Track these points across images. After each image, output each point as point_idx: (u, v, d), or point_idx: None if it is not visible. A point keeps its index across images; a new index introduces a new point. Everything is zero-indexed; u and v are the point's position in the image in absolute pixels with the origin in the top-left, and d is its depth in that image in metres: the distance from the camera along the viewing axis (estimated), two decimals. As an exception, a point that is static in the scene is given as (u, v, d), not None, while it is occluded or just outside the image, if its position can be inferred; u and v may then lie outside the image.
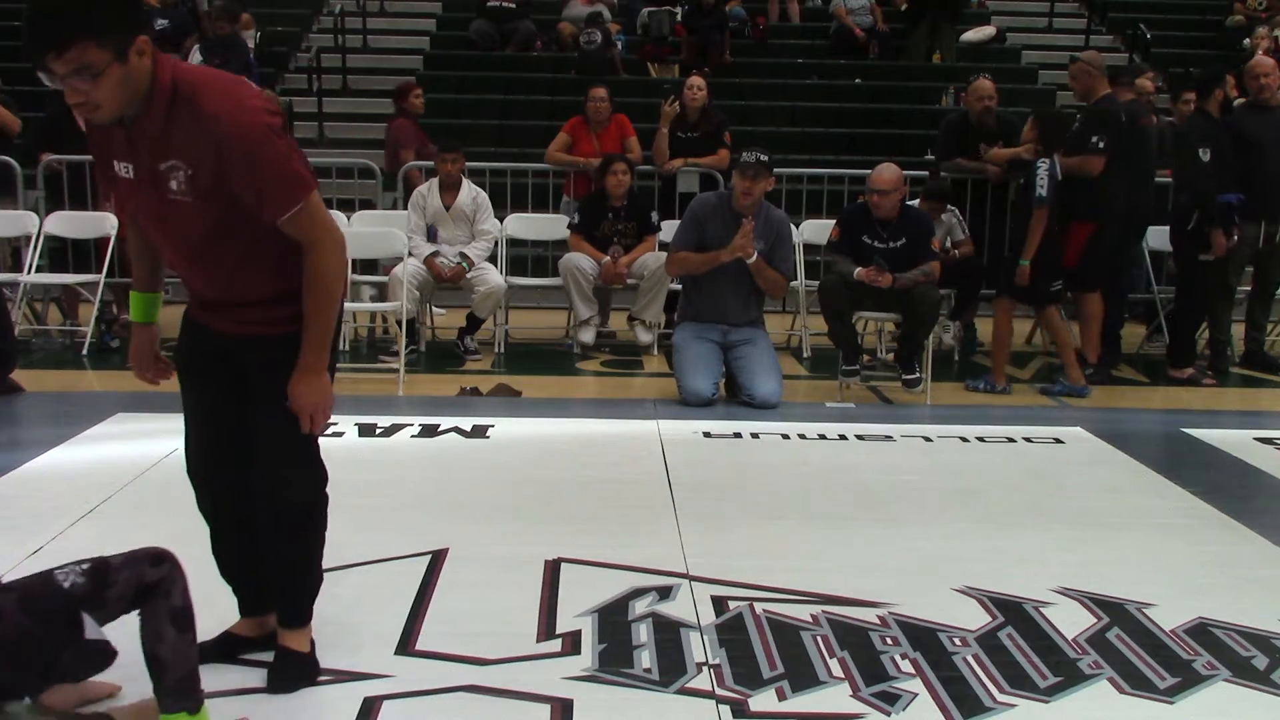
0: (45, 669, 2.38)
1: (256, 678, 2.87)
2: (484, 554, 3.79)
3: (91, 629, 2.42)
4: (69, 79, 2.36)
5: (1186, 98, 7.62)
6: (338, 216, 7.87)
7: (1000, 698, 2.90)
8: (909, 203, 6.80)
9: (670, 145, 8.16)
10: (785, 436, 5.50)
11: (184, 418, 2.89)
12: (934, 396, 6.50)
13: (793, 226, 6.90)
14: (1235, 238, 7.01)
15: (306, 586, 2.92)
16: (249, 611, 3.00)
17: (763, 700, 2.86)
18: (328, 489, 2.88)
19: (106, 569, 2.46)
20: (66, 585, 2.42)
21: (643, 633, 3.22)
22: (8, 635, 2.35)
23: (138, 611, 2.46)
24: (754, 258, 6.01)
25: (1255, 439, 5.63)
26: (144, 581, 2.45)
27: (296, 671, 2.86)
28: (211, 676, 2.82)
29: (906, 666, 3.06)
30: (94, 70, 2.35)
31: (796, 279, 7.27)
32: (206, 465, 2.87)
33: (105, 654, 2.47)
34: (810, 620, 3.33)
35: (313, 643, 2.93)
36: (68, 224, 7.87)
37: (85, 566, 2.46)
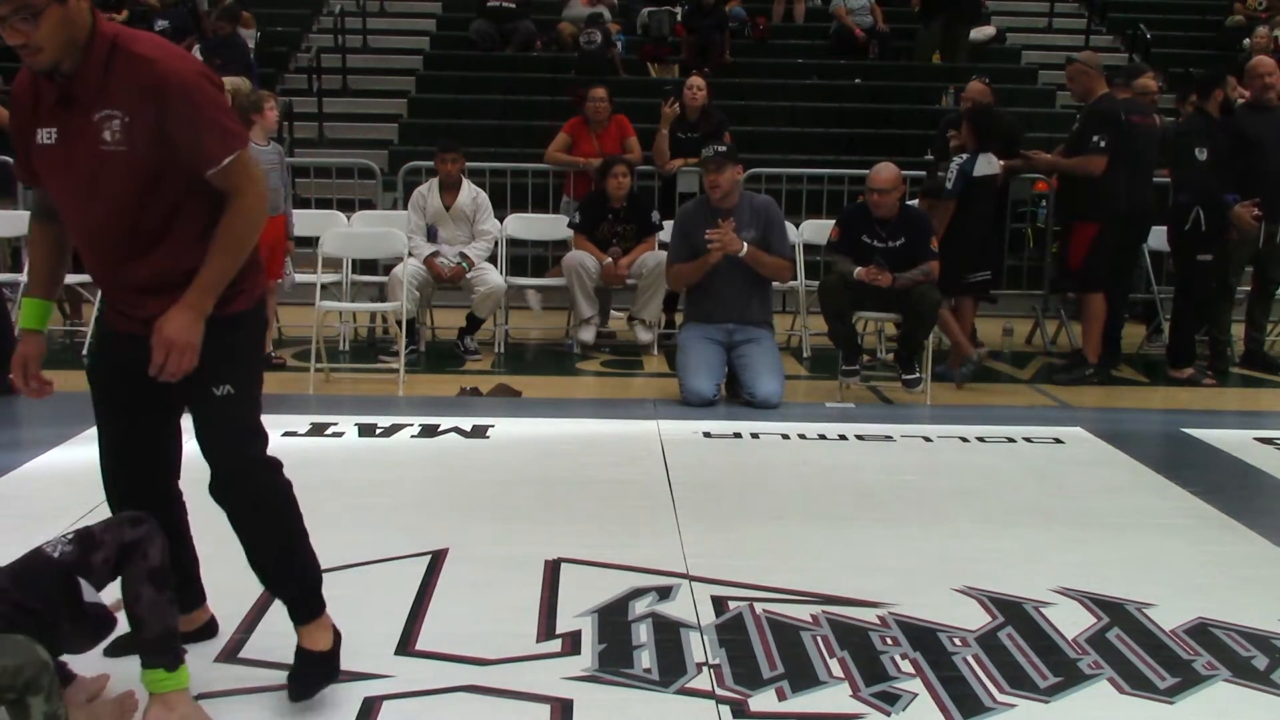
0: (49, 645, 2.39)
1: (257, 677, 2.87)
2: (484, 554, 3.79)
3: (89, 593, 2.47)
4: (10, 19, 2.39)
5: (1192, 99, 7.63)
6: (338, 216, 7.91)
7: (1000, 698, 2.90)
8: (908, 202, 6.81)
9: (670, 145, 8.16)
10: (785, 436, 5.50)
11: (98, 433, 2.82)
12: (934, 396, 6.50)
13: (792, 226, 6.92)
14: (1236, 233, 7.02)
15: (302, 570, 2.83)
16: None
17: (763, 700, 2.86)
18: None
19: (91, 535, 2.52)
20: (56, 555, 2.47)
21: (643, 633, 3.22)
22: (6, 613, 2.38)
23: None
24: (743, 251, 6.02)
25: (1255, 439, 5.63)
26: (124, 541, 2.51)
27: (315, 675, 2.81)
28: (213, 675, 2.83)
29: (906, 666, 3.06)
30: (34, 9, 2.39)
31: (797, 277, 7.27)
32: (127, 481, 2.82)
33: (104, 620, 2.53)
34: (810, 620, 3.33)
35: (336, 634, 2.87)
36: (68, 224, 7.85)
37: (70, 535, 2.51)
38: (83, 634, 2.54)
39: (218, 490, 2.71)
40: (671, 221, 7.28)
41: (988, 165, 7.00)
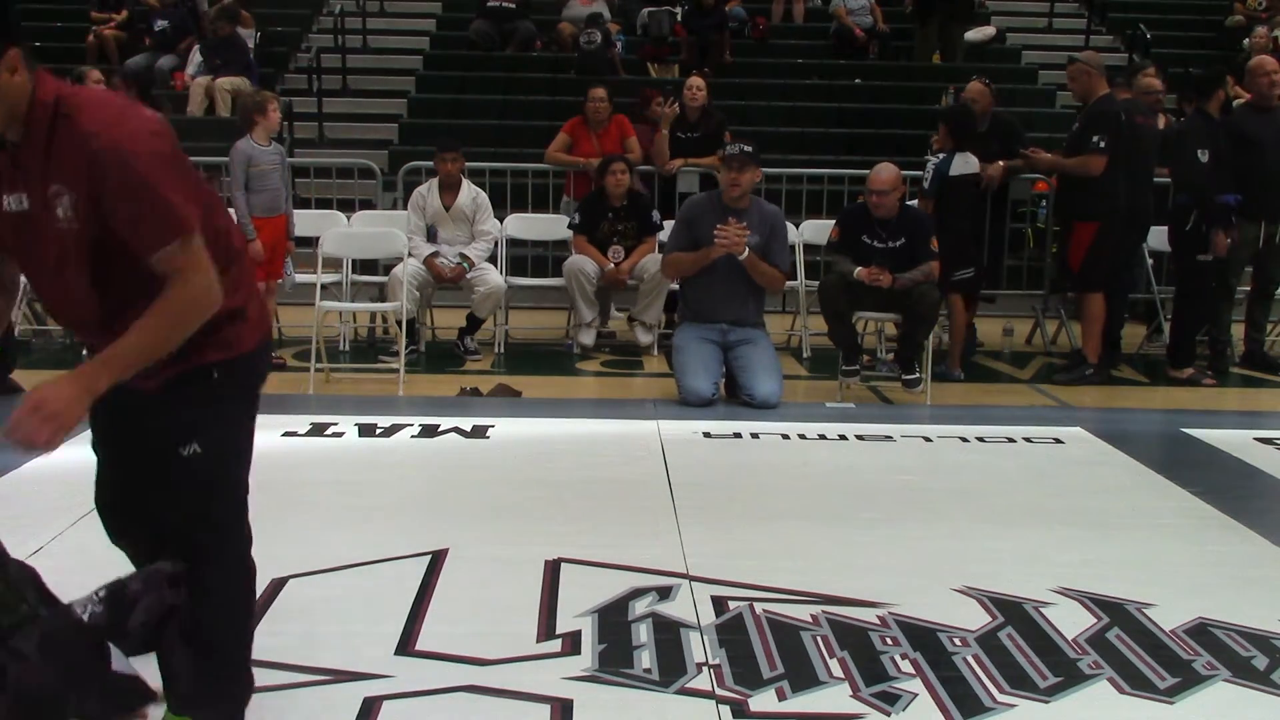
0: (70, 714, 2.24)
1: (256, 677, 2.87)
2: (484, 554, 3.79)
3: (119, 661, 2.30)
4: None
5: (1192, 100, 7.64)
6: (338, 216, 7.90)
7: (1000, 698, 2.90)
8: (908, 202, 6.82)
9: (670, 146, 8.16)
10: (785, 436, 5.49)
11: (93, 449, 2.61)
12: (934, 396, 6.50)
13: (792, 226, 6.92)
14: (1231, 239, 7.02)
15: (231, 691, 2.50)
16: None
17: (763, 700, 2.86)
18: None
19: (124, 594, 2.33)
20: (85, 618, 2.29)
21: (643, 633, 3.22)
22: (31, 689, 2.21)
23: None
24: (745, 254, 6.01)
25: (1255, 439, 5.63)
26: (165, 605, 2.35)
27: None
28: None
29: (906, 666, 3.06)
30: None
31: (796, 279, 7.27)
32: (112, 494, 2.60)
33: (137, 693, 2.33)
34: (810, 620, 3.33)
35: None
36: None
37: (102, 594, 2.32)
38: (112, 707, 2.35)
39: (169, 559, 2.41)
40: (671, 222, 7.31)
41: (964, 165, 7.05)
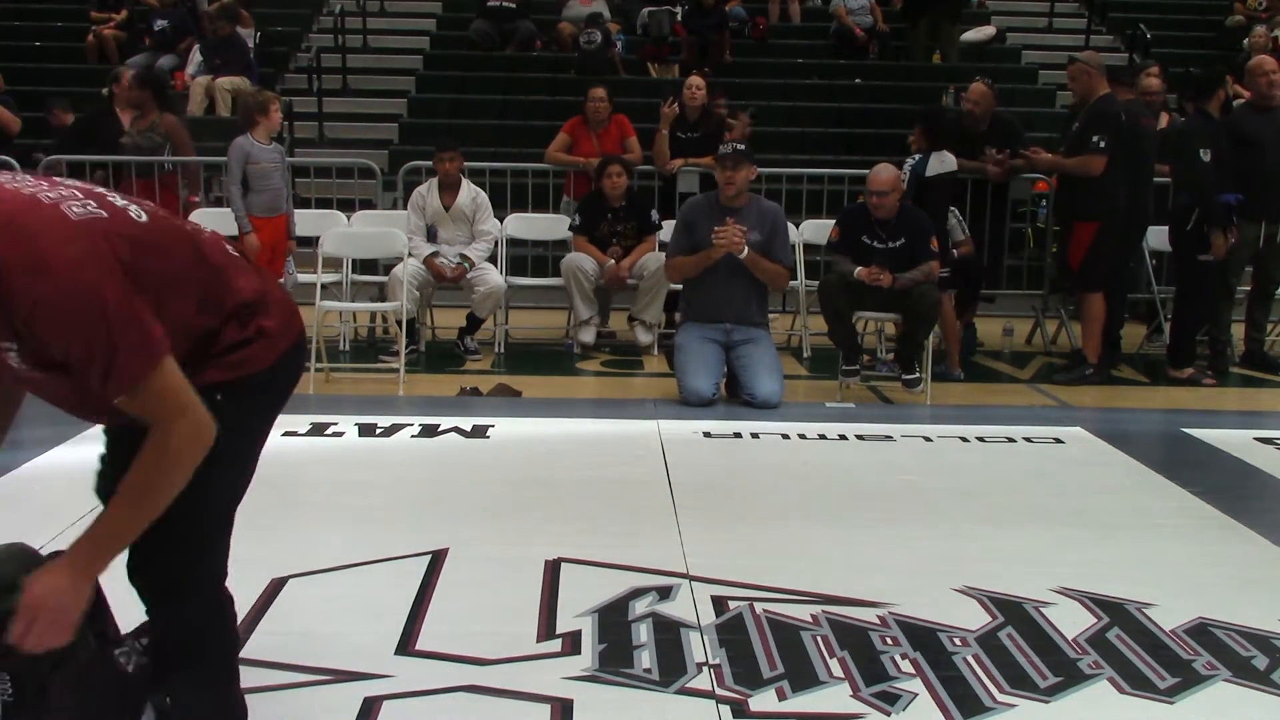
0: None
1: (257, 677, 2.87)
2: (484, 554, 3.79)
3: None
4: None
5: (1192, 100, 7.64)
6: (338, 216, 7.89)
7: (1000, 698, 2.90)
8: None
9: (670, 145, 8.17)
10: (785, 436, 5.49)
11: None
12: (934, 396, 6.50)
13: (792, 226, 6.92)
14: (1231, 239, 7.02)
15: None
16: None
17: (763, 700, 2.86)
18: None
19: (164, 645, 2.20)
20: (130, 669, 2.13)
21: (643, 633, 3.22)
22: None
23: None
24: (744, 253, 6.01)
25: (1255, 439, 5.62)
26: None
27: None
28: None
29: (906, 666, 3.06)
30: None
31: (797, 278, 7.27)
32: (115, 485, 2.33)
33: None
34: (810, 620, 3.33)
35: None
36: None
37: (145, 644, 2.15)
38: None
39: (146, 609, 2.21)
40: (671, 221, 7.31)
41: (940, 164, 7.11)
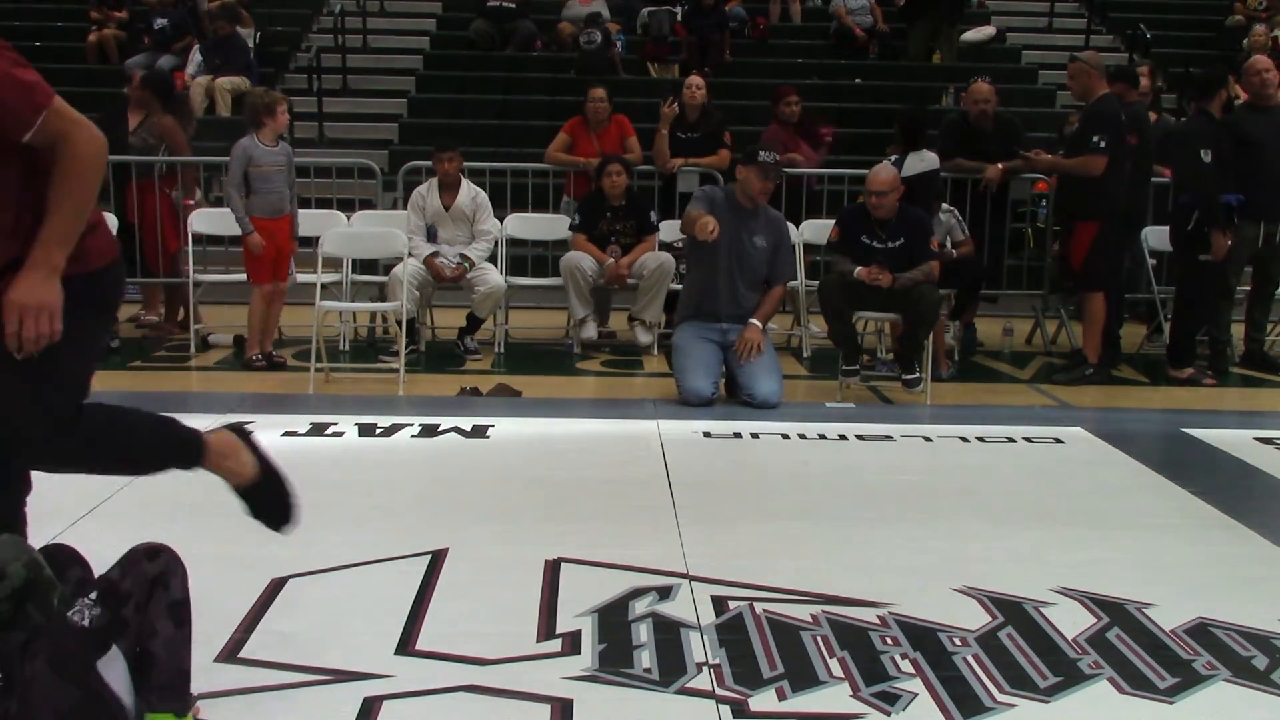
0: None
1: (257, 677, 2.87)
2: (484, 554, 3.79)
3: (114, 676, 2.29)
4: None
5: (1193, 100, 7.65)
6: (338, 216, 7.90)
7: (1000, 698, 2.90)
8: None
9: (670, 145, 8.17)
10: (785, 436, 5.50)
11: None
12: (934, 396, 6.50)
13: (792, 226, 6.94)
14: (1231, 240, 7.02)
15: (153, 448, 2.84)
16: None
17: (763, 700, 2.86)
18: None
19: (114, 588, 2.35)
20: (87, 624, 2.30)
21: (643, 633, 3.22)
22: (66, 711, 2.23)
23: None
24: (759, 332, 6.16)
25: (1255, 439, 5.62)
26: (147, 579, 2.38)
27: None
28: (213, 675, 2.82)
29: (906, 666, 3.06)
30: None
31: (797, 279, 7.27)
32: None
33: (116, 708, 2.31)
34: (810, 620, 3.33)
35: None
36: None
37: (93, 595, 2.34)
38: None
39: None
40: (671, 222, 7.35)
41: (920, 163, 7.14)
